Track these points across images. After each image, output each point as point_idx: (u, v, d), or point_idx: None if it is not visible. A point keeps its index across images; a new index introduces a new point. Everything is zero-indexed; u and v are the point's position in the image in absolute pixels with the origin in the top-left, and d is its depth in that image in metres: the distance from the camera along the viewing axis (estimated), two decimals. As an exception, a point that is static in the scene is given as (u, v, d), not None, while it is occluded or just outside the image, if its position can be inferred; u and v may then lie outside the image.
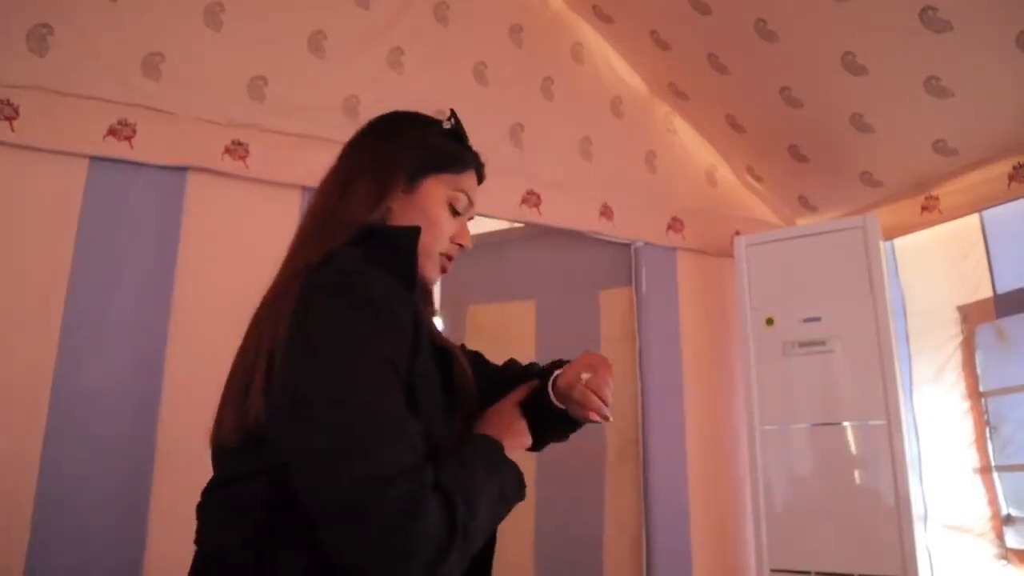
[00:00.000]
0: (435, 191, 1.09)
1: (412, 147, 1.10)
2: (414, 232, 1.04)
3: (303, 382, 0.84)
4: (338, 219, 1.04)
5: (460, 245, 1.14)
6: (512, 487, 0.96)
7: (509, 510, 0.96)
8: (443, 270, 1.14)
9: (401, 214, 1.07)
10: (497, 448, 0.99)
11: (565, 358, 1.19)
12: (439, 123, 1.15)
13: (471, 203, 1.14)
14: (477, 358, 1.31)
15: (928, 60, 2.39)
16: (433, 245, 1.09)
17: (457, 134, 1.16)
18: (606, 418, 1.08)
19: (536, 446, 1.15)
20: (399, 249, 1.03)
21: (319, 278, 0.91)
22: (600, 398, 1.07)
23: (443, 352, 1.03)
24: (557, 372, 1.14)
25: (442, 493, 0.81)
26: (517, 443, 1.05)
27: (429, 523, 0.78)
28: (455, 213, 1.11)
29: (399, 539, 0.76)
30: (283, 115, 2.45)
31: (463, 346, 1.29)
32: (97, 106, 2.20)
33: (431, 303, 1.21)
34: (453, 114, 1.16)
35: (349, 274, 0.92)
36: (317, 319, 0.87)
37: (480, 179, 1.19)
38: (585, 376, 1.08)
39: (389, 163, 1.08)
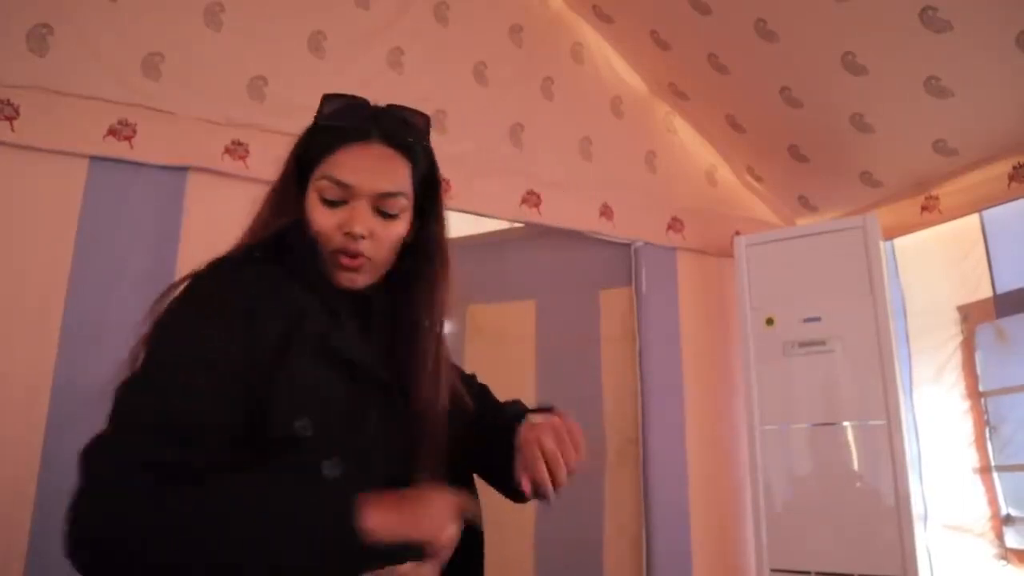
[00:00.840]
0: (311, 191, 1.02)
1: (291, 158, 1.06)
2: (297, 225, 1.00)
3: (132, 374, 0.90)
4: (254, 226, 1.05)
5: (348, 234, 0.99)
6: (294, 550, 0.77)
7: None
8: (346, 267, 1.00)
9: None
10: (320, 506, 0.80)
11: (562, 407, 1.10)
12: (314, 122, 1.06)
13: (345, 185, 0.99)
14: (481, 391, 1.25)
15: (928, 60, 2.39)
16: (321, 244, 1.00)
17: (322, 124, 1.04)
18: (545, 497, 1.00)
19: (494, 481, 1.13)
20: (292, 247, 0.99)
21: (187, 279, 0.96)
22: (551, 473, 0.99)
23: (343, 362, 0.94)
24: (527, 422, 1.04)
25: (142, 498, 0.79)
26: (398, 530, 0.80)
27: (116, 502, 0.79)
28: (330, 204, 1.00)
29: (89, 500, 0.79)
30: (283, 115, 2.44)
31: (471, 375, 1.26)
32: (97, 106, 2.20)
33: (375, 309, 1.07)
34: (323, 98, 1.05)
35: (196, 277, 0.95)
36: (158, 319, 0.93)
37: (389, 134, 1.03)
38: (549, 446, 0.99)
39: (282, 177, 1.06)
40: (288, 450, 0.87)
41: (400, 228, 1.03)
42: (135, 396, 0.86)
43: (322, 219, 0.99)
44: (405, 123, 1.06)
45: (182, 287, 0.94)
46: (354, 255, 0.99)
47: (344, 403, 0.93)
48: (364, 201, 1.00)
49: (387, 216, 1.01)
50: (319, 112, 1.04)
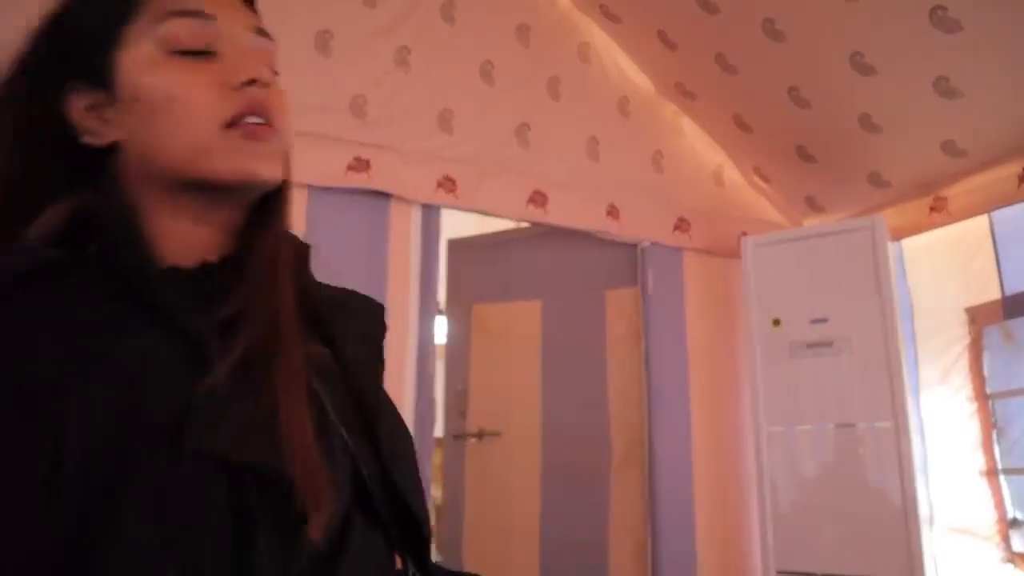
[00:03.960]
0: (135, 58, 0.61)
1: (51, 44, 0.65)
2: (109, 205, 0.60)
3: None
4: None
5: (251, 81, 0.63)
6: None
7: None
8: (257, 138, 0.63)
9: (132, 135, 0.62)
10: None
11: None
12: None
13: (205, 14, 0.63)
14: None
15: (937, 60, 2.37)
16: (193, 126, 0.61)
17: None
18: None
19: None
20: (101, 229, 0.59)
21: None
22: None
23: (219, 464, 0.53)
24: None
25: None
26: None
27: None
28: (195, 54, 0.62)
29: None
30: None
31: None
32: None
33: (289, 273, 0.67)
34: None
35: None
36: None
37: None
38: None
39: (22, 95, 0.63)
40: None
41: (287, 101, 0.68)
42: None
43: (192, 80, 0.61)
44: None
45: None
46: (266, 119, 0.63)
47: (226, 527, 0.54)
48: (238, 47, 0.64)
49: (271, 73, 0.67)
50: None
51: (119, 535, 0.50)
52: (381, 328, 0.80)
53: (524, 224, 3.09)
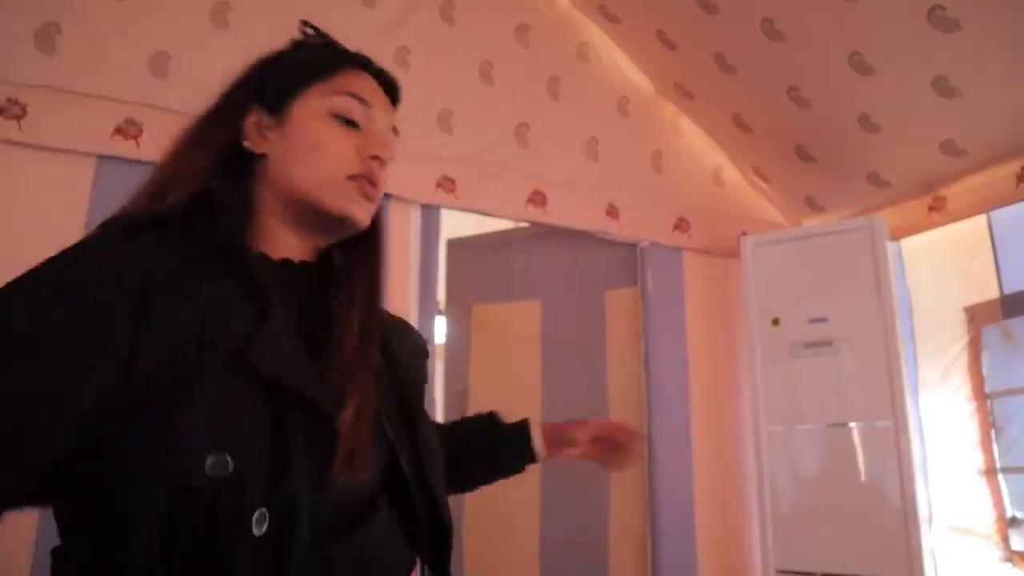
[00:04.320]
0: (309, 108, 0.86)
1: (253, 76, 0.90)
2: (232, 193, 0.81)
3: None
4: (159, 183, 0.84)
5: (375, 156, 0.86)
6: None
7: None
8: (366, 195, 0.86)
9: (279, 157, 0.84)
10: None
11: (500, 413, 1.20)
12: (287, 43, 0.95)
13: (368, 104, 0.88)
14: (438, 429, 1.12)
15: (936, 60, 2.38)
16: (327, 170, 0.83)
17: (316, 41, 0.96)
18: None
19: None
20: (220, 206, 0.78)
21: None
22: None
23: (269, 382, 0.69)
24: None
25: None
26: None
27: None
28: (350, 123, 0.86)
29: None
30: (289, 114, 2.45)
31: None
32: (104, 105, 2.21)
33: (365, 272, 0.92)
34: (306, 23, 0.98)
35: (64, 251, 0.74)
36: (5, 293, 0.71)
37: (388, 88, 0.94)
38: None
39: (226, 101, 0.88)
40: (188, 498, 0.64)
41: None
42: None
43: (342, 139, 0.85)
44: (389, 78, 0.96)
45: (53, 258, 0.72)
46: (375, 183, 0.86)
47: (268, 438, 0.68)
48: (379, 128, 0.89)
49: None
50: (305, 33, 0.97)
51: (176, 420, 0.64)
52: (425, 354, 1.03)
53: (524, 224, 3.08)
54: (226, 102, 0.87)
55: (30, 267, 0.73)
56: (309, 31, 0.97)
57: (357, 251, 0.93)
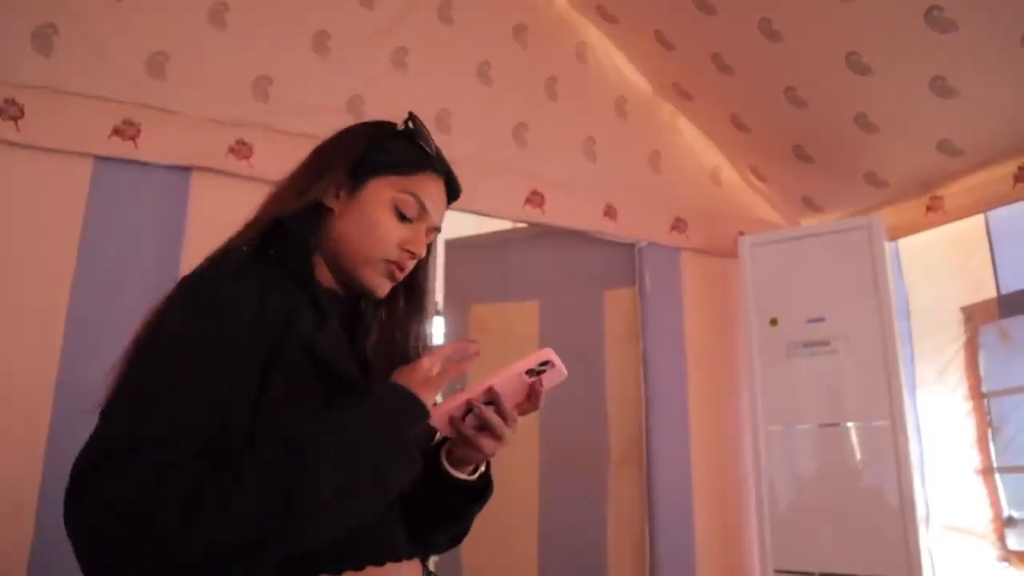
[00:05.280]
0: (379, 192, 1.03)
1: (354, 146, 1.06)
2: (308, 219, 1.01)
3: (124, 372, 0.88)
4: (258, 216, 1.03)
5: (412, 253, 1.04)
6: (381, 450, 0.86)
7: (385, 480, 0.85)
8: (391, 277, 1.05)
9: (344, 216, 1.03)
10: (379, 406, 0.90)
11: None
12: (393, 125, 1.10)
13: (424, 209, 1.05)
14: None
15: (933, 60, 2.38)
16: (371, 249, 1.02)
17: (412, 137, 1.09)
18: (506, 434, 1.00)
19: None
20: (293, 239, 1.00)
21: (185, 280, 0.94)
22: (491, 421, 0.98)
23: (327, 370, 0.94)
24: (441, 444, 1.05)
25: (198, 471, 0.78)
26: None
27: (159, 495, 0.75)
28: (404, 218, 1.04)
29: (126, 502, 0.75)
30: (287, 115, 2.45)
31: None
32: (102, 106, 2.20)
33: (393, 311, 1.13)
34: (412, 116, 1.10)
35: (200, 278, 0.93)
36: (159, 317, 0.90)
37: (452, 190, 1.11)
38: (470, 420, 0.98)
39: (326, 161, 1.06)
40: None
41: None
42: (148, 397, 0.83)
43: (392, 229, 1.03)
44: (456, 185, 1.13)
45: (180, 288, 0.93)
46: (403, 270, 1.05)
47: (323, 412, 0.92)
48: (425, 227, 1.06)
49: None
50: (407, 126, 1.09)
51: (272, 399, 0.88)
52: None
53: (522, 224, 3.09)
54: (326, 161, 1.06)
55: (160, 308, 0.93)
56: (405, 125, 1.10)
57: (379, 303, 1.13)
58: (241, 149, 2.35)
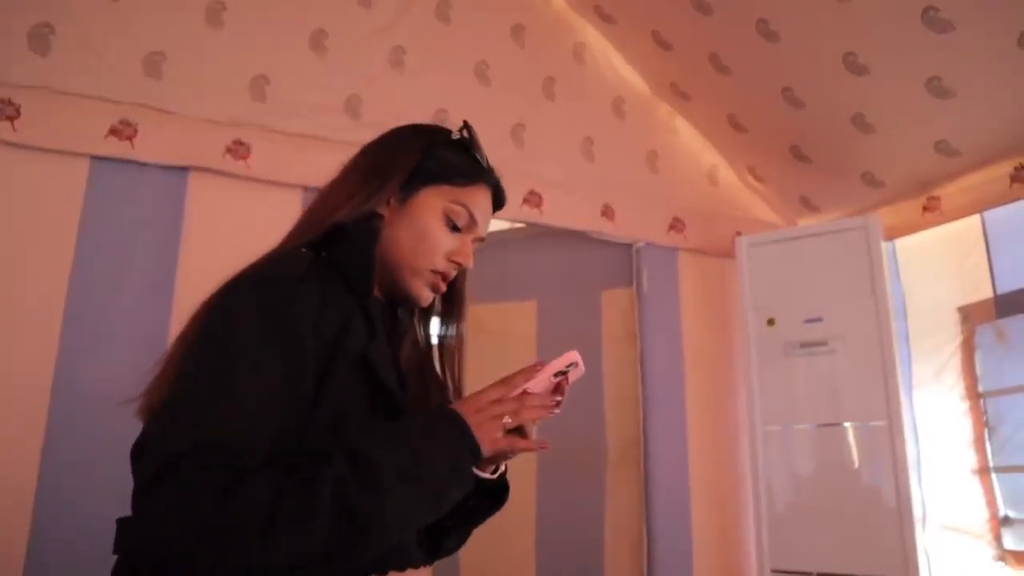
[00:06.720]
0: (430, 202, 1.04)
1: (409, 153, 1.06)
2: (370, 229, 1.00)
3: (181, 369, 0.88)
4: (311, 219, 1.04)
5: (458, 263, 1.06)
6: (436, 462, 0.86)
7: (441, 492, 0.87)
8: (435, 289, 1.06)
9: (393, 223, 1.03)
10: (434, 424, 0.90)
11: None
12: (447, 132, 1.11)
13: (473, 220, 1.06)
14: None
15: (930, 60, 2.38)
16: (420, 259, 1.03)
17: (466, 147, 1.10)
18: (542, 446, 1.02)
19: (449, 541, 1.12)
20: (356, 247, 0.99)
21: (240, 278, 0.93)
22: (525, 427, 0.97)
23: (375, 382, 0.95)
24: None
25: (269, 475, 0.79)
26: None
27: (240, 504, 0.77)
28: (454, 228, 1.05)
29: (202, 507, 0.76)
30: (285, 114, 2.45)
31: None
32: (98, 106, 2.20)
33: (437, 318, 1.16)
34: (466, 126, 1.13)
35: (266, 279, 0.92)
36: (215, 315, 0.89)
37: (498, 201, 1.13)
38: (507, 421, 0.96)
39: (381, 167, 1.05)
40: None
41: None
42: (211, 399, 0.84)
43: (442, 239, 1.04)
44: (503, 196, 1.15)
45: (243, 287, 0.92)
46: (447, 281, 1.07)
47: (367, 414, 0.94)
48: (471, 239, 1.07)
49: None
50: (462, 136, 1.11)
51: (327, 409, 0.89)
52: None
53: (519, 224, 3.09)
54: (382, 168, 1.05)
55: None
56: (460, 134, 1.12)
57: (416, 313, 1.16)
58: (238, 149, 2.35)
